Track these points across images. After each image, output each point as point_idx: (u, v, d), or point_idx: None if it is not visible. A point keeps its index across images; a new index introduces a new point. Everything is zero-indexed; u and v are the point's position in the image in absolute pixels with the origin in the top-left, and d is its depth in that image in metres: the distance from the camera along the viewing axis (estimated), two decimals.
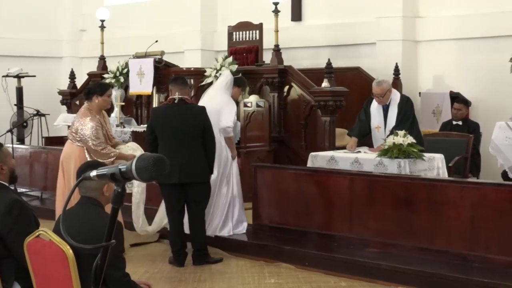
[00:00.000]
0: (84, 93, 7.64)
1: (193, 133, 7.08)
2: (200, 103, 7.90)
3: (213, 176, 7.47)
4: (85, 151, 7.22)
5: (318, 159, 7.90)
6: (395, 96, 8.26)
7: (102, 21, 12.42)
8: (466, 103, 9.69)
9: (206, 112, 7.28)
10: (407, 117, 8.11)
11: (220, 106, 7.89)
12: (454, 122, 9.58)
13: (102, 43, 12.43)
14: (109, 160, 7.08)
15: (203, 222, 7.26)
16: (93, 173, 2.25)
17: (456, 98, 9.85)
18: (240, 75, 9.09)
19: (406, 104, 8.19)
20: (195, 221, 7.20)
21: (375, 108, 8.27)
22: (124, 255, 3.97)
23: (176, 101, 7.21)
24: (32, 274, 3.94)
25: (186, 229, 7.30)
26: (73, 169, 6.92)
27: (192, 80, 10.87)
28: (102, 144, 7.19)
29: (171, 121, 7.13)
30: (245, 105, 9.94)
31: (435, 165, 7.58)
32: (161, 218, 7.73)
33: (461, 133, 9.08)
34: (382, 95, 8.12)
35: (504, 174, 8.31)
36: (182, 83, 7.40)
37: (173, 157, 6.81)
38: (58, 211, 7.22)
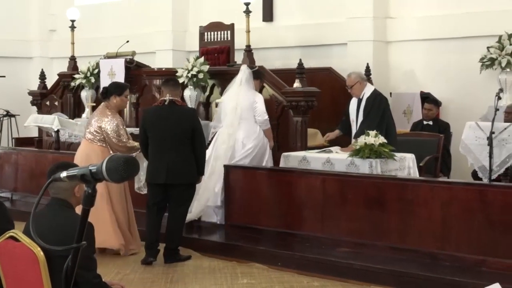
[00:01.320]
0: (102, 93, 7.80)
1: (182, 135, 7.13)
2: (223, 102, 8.47)
3: (251, 163, 8.12)
4: (109, 150, 7.38)
5: (290, 159, 7.92)
6: (368, 91, 8.28)
7: (73, 21, 12.32)
8: (436, 103, 9.77)
9: (196, 114, 7.58)
10: (374, 114, 8.11)
11: (250, 102, 8.41)
12: (425, 122, 9.66)
13: (73, 43, 12.34)
14: (135, 153, 7.34)
15: (181, 225, 7.26)
16: (63, 174, 2.24)
17: (426, 98, 9.93)
18: (256, 68, 9.17)
19: (374, 100, 8.20)
20: (173, 222, 7.19)
21: (352, 102, 8.40)
22: (95, 256, 3.94)
23: (166, 103, 7.25)
24: (2, 276, 3.90)
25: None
26: None
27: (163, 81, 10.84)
28: (127, 139, 7.51)
29: (161, 123, 7.20)
30: (217, 106, 9.93)
31: (406, 165, 7.63)
32: (197, 206, 8.02)
33: (432, 133, 9.16)
34: (350, 86, 8.24)
35: (474, 174, 8.39)
36: (173, 85, 7.47)
37: (161, 158, 7.07)
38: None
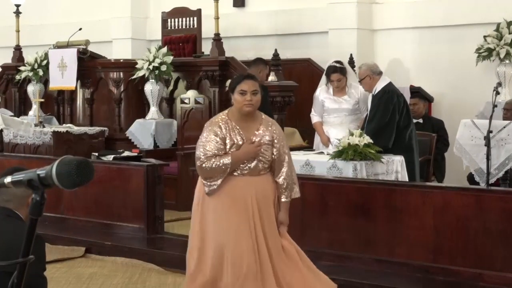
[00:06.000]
0: None
1: None
2: None
3: None
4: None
5: None
6: (380, 86, 7.99)
7: (17, 6, 12.23)
8: (424, 97, 9.78)
9: None
10: (380, 115, 7.83)
11: None
12: (415, 120, 9.68)
13: (18, 31, 12.26)
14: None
15: None
16: (8, 179, 2.21)
17: (416, 93, 9.94)
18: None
19: (380, 99, 7.89)
20: None
21: (369, 98, 8.25)
22: (45, 274, 3.91)
23: None
24: None
25: None
26: None
27: (121, 74, 10.82)
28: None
29: None
30: (182, 102, 9.93)
31: (393, 169, 7.63)
32: None
33: (423, 132, 9.17)
34: (360, 80, 8.17)
35: (470, 178, 8.44)
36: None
37: None
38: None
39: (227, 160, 5.23)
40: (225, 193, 5.31)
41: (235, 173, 5.30)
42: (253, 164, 5.32)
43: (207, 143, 5.29)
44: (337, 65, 8.42)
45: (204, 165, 5.25)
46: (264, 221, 5.35)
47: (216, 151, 5.24)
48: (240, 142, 5.28)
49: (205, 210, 5.41)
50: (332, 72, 8.38)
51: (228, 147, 5.29)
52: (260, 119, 5.43)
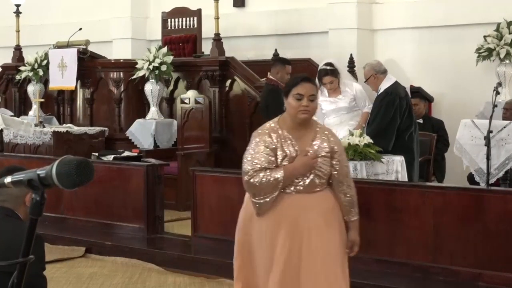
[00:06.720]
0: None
1: None
2: None
3: None
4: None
5: None
6: (384, 86, 7.99)
7: (17, 6, 12.24)
8: (424, 97, 9.79)
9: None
10: (381, 117, 7.78)
11: None
12: None
13: (18, 31, 12.26)
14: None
15: None
16: (8, 179, 2.21)
17: (416, 93, 9.94)
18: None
19: (381, 100, 7.90)
20: None
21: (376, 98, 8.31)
22: (44, 274, 3.91)
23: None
24: None
25: None
26: None
27: (121, 74, 10.82)
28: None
29: None
30: (182, 102, 9.93)
31: (393, 169, 7.64)
32: None
33: (423, 132, 9.18)
34: (365, 80, 8.19)
35: (470, 178, 8.44)
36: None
37: None
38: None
39: (279, 174, 4.54)
40: (275, 213, 4.60)
41: (287, 190, 4.59)
42: (309, 180, 4.61)
43: (255, 155, 4.60)
44: (328, 67, 8.46)
45: (252, 180, 4.57)
46: (318, 246, 4.60)
47: (266, 164, 4.56)
48: (294, 154, 4.59)
49: (250, 230, 4.76)
50: (323, 76, 8.42)
51: (279, 159, 4.60)
52: (315, 128, 4.75)
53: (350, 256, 4.93)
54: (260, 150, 4.58)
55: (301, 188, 4.60)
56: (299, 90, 4.59)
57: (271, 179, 4.52)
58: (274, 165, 4.57)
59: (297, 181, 4.60)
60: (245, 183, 4.65)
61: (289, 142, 4.62)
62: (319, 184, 4.65)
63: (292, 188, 4.59)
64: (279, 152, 4.59)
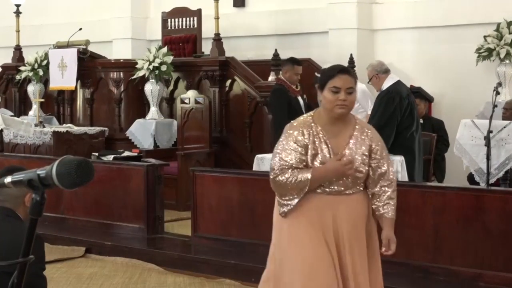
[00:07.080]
0: None
1: None
2: None
3: None
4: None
5: (265, 162, 7.91)
6: (385, 86, 8.04)
7: (17, 6, 12.24)
8: (424, 97, 9.79)
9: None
10: (378, 117, 7.76)
11: None
12: None
13: (18, 31, 12.26)
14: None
15: None
16: (8, 179, 2.21)
17: (416, 93, 9.95)
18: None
19: (381, 99, 7.92)
20: None
21: None
22: (44, 274, 3.91)
23: None
24: None
25: None
26: None
27: (122, 74, 10.82)
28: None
29: None
30: (182, 102, 9.93)
31: (394, 169, 7.62)
32: None
33: (423, 132, 9.17)
34: (368, 80, 8.17)
35: (470, 178, 8.44)
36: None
37: None
38: None
39: (306, 176, 4.15)
40: (304, 215, 4.25)
41: (318, 190, 4.21)
42: (342, 181, 4.23)
43: (285, 151, 4.22)
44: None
45: (277, 178, 4.24)
46: (355, 252, 4.34)
47: (294, 163, 4.19)
48: (327, 155, 4.20)
49: (281, 233, 4.52)
50: None
51: (309, 158, 4.21)
52: (353, 124, 4.32)
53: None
54: (290, 147, 4.22)
55: (333, 189, 4.23)
56: (336, 82, 4.18)
57: (298, 180, 4.16)
58: (304, 163, 4.20)
59: (328, 182, 4.22)
60: (271, 181, 4.36)
61: (322, 139, 4.23)
62: (353, 186, 4.28)
63: (323, 189, 4.22)
64: (310, 150, 4.21)
